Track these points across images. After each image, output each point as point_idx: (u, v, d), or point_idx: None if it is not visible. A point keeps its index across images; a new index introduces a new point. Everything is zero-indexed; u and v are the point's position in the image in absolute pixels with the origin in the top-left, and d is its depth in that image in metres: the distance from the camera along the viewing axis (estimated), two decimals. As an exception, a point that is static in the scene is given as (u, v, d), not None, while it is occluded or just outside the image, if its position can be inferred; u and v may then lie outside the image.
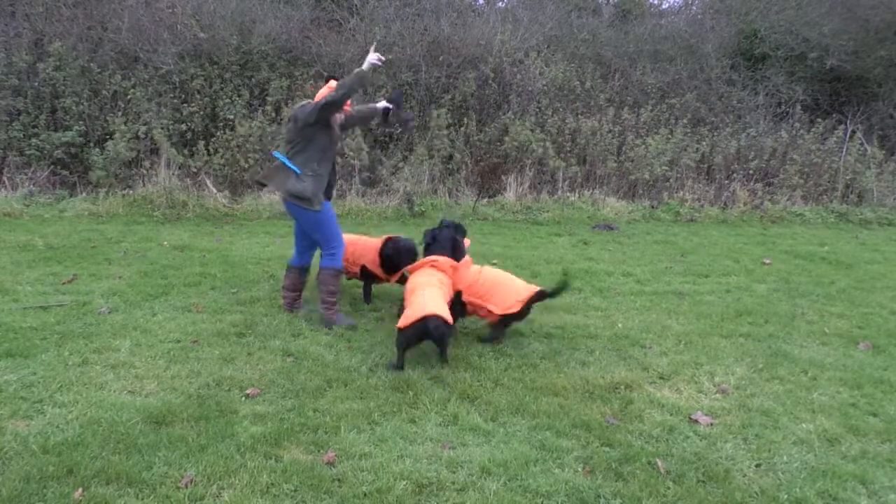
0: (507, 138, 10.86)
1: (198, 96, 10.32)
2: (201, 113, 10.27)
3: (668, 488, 3.13)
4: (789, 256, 8.24)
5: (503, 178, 10.94)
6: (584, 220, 10.09)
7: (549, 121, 11.37)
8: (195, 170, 9.86)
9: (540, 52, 12.47)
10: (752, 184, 11.59)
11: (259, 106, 10.55)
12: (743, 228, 10.18)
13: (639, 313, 5.76)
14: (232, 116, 10.22)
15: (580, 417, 3.76)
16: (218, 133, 10.11)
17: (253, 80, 10.84)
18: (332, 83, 4.83)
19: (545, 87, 11.81)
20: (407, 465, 3.21)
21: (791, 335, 5.34)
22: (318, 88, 5.20)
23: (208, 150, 9.95)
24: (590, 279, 6.77)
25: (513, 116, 11.04)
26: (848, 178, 12.04)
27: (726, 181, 11.51)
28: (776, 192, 11.57)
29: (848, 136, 12.58)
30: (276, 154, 5.03)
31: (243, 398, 3.84)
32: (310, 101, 4.90)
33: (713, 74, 13.29)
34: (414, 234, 8.88)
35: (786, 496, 3.10)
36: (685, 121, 12.08)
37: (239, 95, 10.44)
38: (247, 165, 9.89)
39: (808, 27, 13.60)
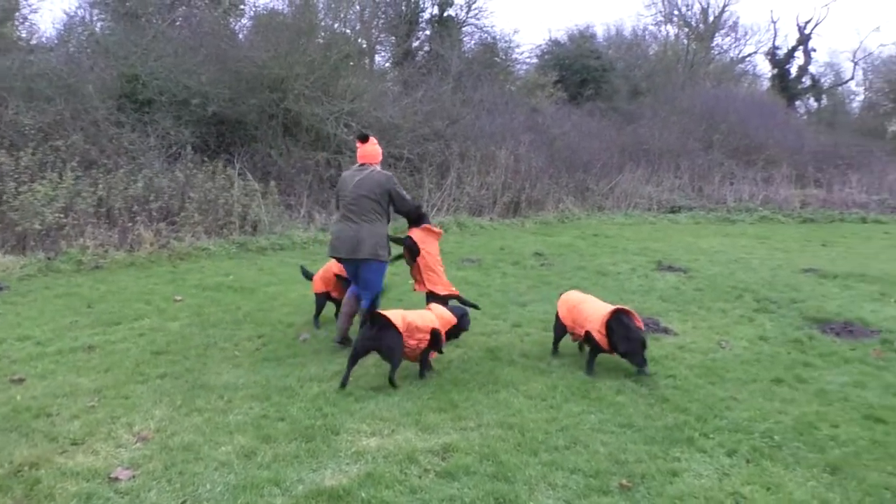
0: None
1: None
2: None
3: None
4: (199, 290, 8.56)
5: None
6: (-40, 284, 8.42)
7: None
8: None
9: None
10: (155, 224, 11.63)
11: None
12: (153, 269, 10.10)
13: (42, 378, 5.12)
14: None
15: (-30, 523, 3.11)
16: None
17: None
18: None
19: None
20: None
21: (207, 365, 5.56)
22: None
23: None
24: (-27, 352, 5.70)
25: None
26: (241, 211, 13.26)
27: (129, 224, 11.28)
28: (180, 229, 11.91)
29: (237, 173, 13.87)
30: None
31: None
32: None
33: (99, 116, 12.85)
34: None
35: (211, 523, 3.19)
36: (75, 163, 11.35)
37: None
38: None
39: (186, 75, 14.43)
